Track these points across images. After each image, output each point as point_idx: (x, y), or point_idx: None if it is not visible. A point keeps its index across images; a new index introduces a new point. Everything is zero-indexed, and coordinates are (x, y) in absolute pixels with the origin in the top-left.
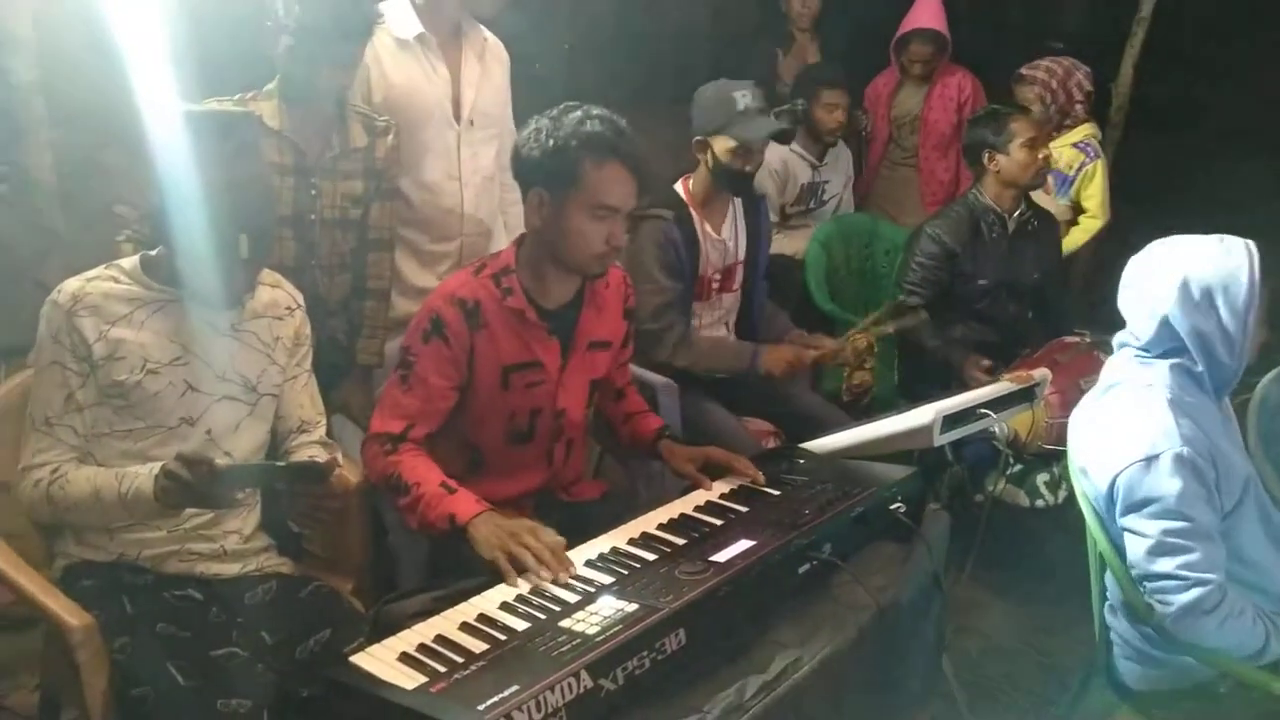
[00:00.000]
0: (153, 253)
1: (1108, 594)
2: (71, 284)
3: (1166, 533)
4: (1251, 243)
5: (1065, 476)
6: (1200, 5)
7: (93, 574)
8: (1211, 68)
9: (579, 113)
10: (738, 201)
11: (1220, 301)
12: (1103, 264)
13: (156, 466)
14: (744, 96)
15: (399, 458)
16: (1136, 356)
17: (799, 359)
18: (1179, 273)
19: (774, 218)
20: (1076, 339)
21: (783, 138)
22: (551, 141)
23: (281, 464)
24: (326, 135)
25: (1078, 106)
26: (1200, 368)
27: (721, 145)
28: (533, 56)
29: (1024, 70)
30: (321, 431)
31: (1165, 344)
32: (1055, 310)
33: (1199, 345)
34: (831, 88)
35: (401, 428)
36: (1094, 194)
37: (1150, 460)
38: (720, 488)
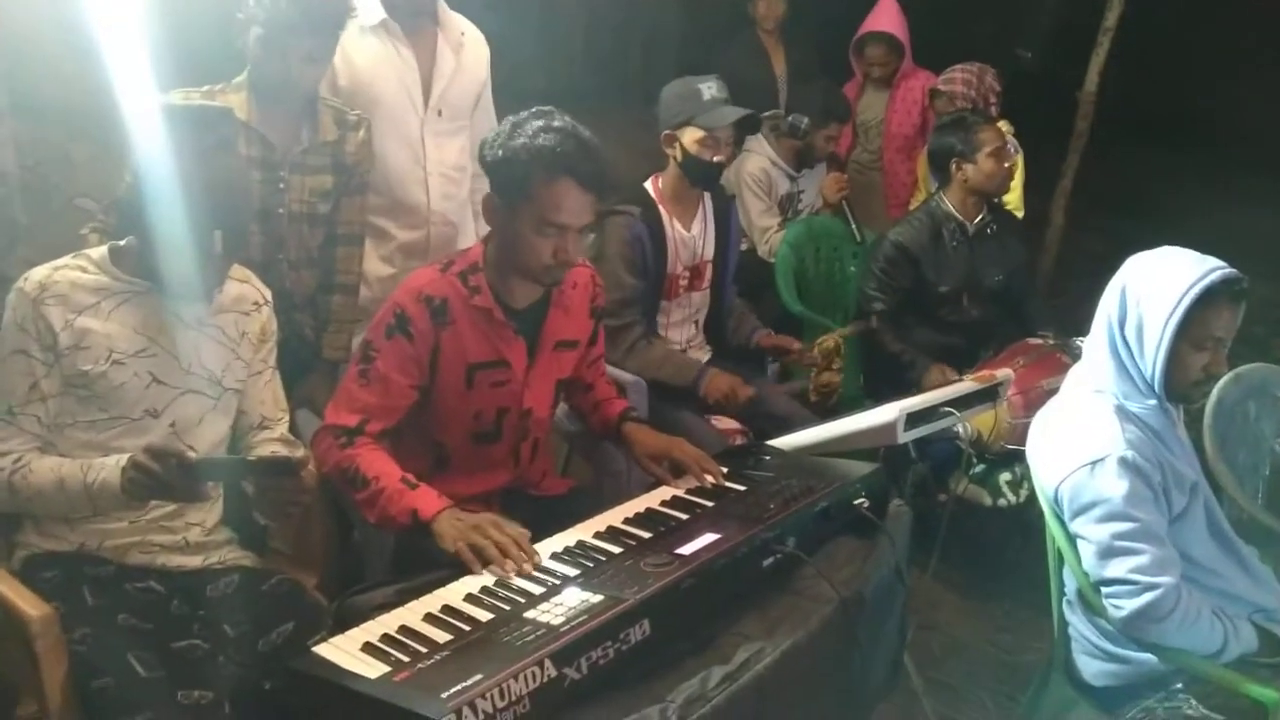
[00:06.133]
0: (121, 243)
1: (1066, 589)
2: (39, 272)
3: (1115, 535)
4: (1228, 271)
5: (1027, 476)
6: (1166, 15)
7: (53, 565)
8: (1178, 76)
9: (539, 122)
10: (708, 200)
11: (1142, 308)
12: (1065, 267)
13: (123, 458)
14: (709, 88)
15: (356, 451)
16: (1090, 363)
17: (734, 392)
18: (1124, 277)
19: (770, 221)
20: (1040, 340)
21: (748, 125)
22: (501, 151)
23: (252, 458)
24: (296, 128)
25: (992, 107)
26: (1133, 372)
27: (689, 136)
28: (505, 57)
29: (940, 85)
30: (283, 429)
31: (1109, 350)
32: (1021, 311)
33: (1121, 348)
34: (841, 123)
35: (356, 421)
36: (1013, 187)
37: (1095, 464)
38: (686, 484)
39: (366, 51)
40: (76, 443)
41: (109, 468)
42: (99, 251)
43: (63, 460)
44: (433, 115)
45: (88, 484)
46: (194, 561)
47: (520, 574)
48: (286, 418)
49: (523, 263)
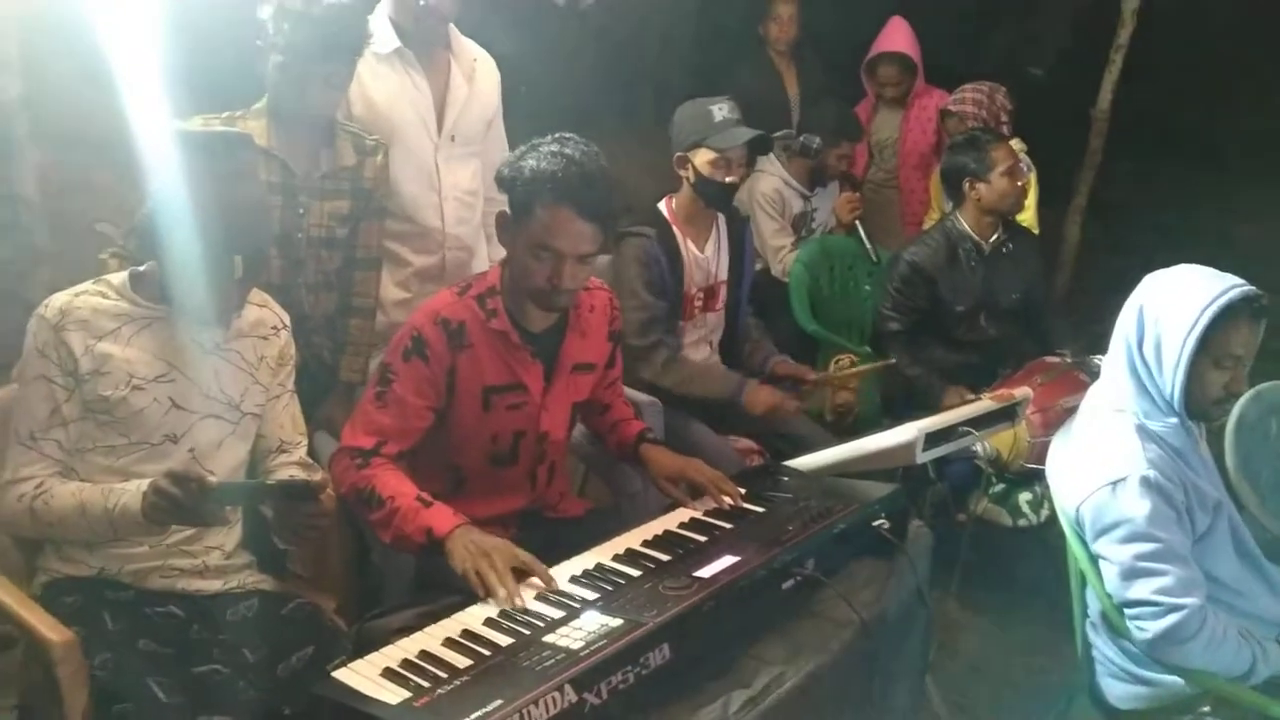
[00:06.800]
0: (141, 269)
1: (1089, 611)
2: (59, 298)
3: (1138, 556)
4: (1247, 288)
5: (1047, 496)
6: (1179, 30)
7: (74, 590)
8: (1192, 91)
9: (552, 146)
10: (722, 221)
11: (1160, 326)
12: (1081, 284)
13: (144, 483)
14: (720, 109)
15: (371, 471)
16: (1109, 382)
17: (782, 406)
18: (1142, 296)
19: (783, 240)
20: (1057, 359)
21: (760, 146)
22: (508, 170)
23: (271, 482)
24: (315, 153)
25: (1004, 126)
26: (1152, 390)
27: (701, 158)
28: (518, 78)
29: (951, 106)
30: (302, 452)
31: (1127, 368)
32: (1039, 328)
33: (1140, 366)
34: (853, 141)
35: (373, 443)
36: (1027, 206)
37: (1116, 484)
38: (704, 506)
39: (381, 79)
40: (97, 468)
41: (130, 493)
42: (119, 277)
43: (83, 485)
44: (446, 141)
45: (109, 509)
46: (214, 585)
47: (517, 607)
48: (305, 441)
49: (521, 283)
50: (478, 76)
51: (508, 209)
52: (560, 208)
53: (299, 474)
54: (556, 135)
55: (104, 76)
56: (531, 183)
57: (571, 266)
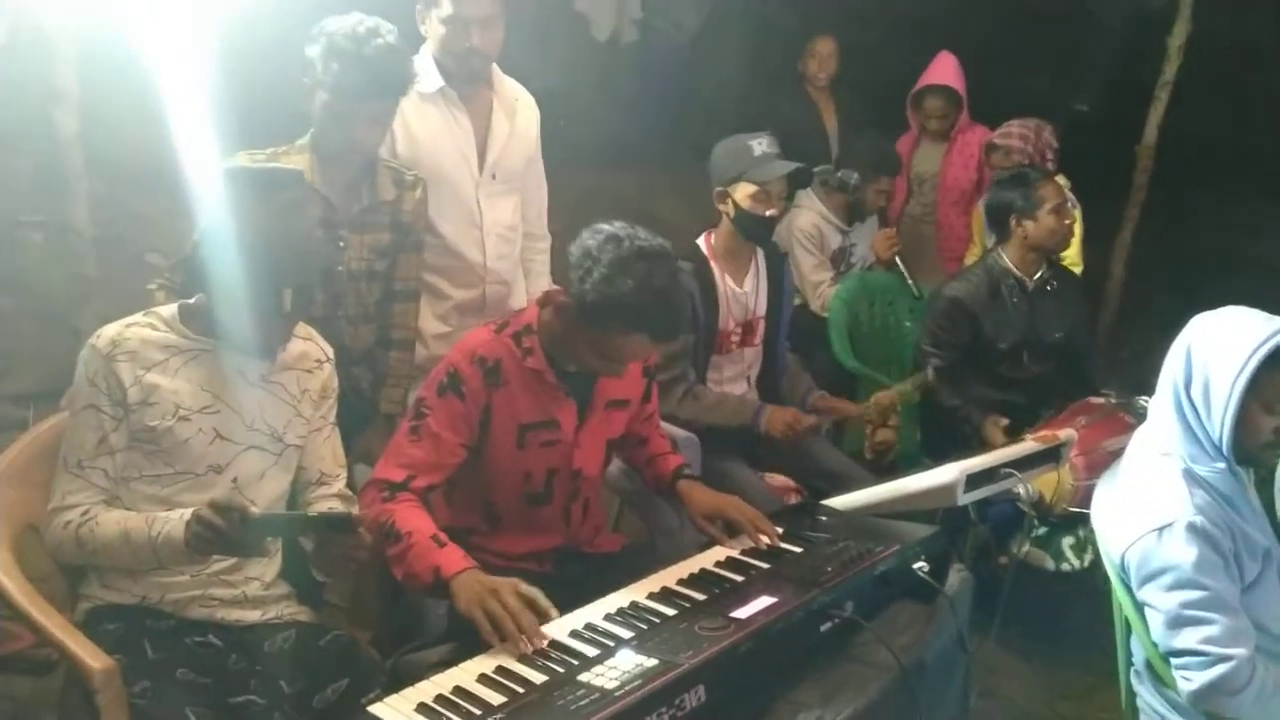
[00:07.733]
0: (191, 301)
1: (1133, 659)
2: (110, 329)
3: (1184, 604)
4: None
5: (1091, 539)
6: (1225, 63)
7: (115, 617)
8: (1239, 127)
9: (640, 266)
10: (760, 256)
11: (1208, 369)
12: (1126, 321)
13: (188, 512)
14: (760, 144)
15: (394, 506)
16: (1156, 425)
17: (798, 422)
18: (1189, 338)
19: (822, 275)
20: (1102, 400)
21: (800, 179)
22: (587, 282)
23: (313, 514)
24: (356, 188)
25: (1049, 163)
26: (1200, 434)
27: (741, 192)
28: (559, 112)
29: (997, 140)
30: (341, 484)
31: (1174, 411)
32: (1082, 368)
33: (1188, 409)
34: (892, 176)
35: (403, 477)
36: (1072, 242)
37: (1162, 530)
38: (740, 545)
39: (425, 119)
40: (142, 496)
41: (173, 522)
42: (169, 309)
43: (128, 514)
44: (487, 178)
45: (152, 537)
46: (252, 616)
47: (533, 651)
48: (345, 474)
49: (575, 360)
50: (519, 115)
51: (567, 300)
52: (635, 335)
53: (338, 506)
54: (641, 246)
55: (155, 111)
56: (612, 309)
57: (630, 368)
